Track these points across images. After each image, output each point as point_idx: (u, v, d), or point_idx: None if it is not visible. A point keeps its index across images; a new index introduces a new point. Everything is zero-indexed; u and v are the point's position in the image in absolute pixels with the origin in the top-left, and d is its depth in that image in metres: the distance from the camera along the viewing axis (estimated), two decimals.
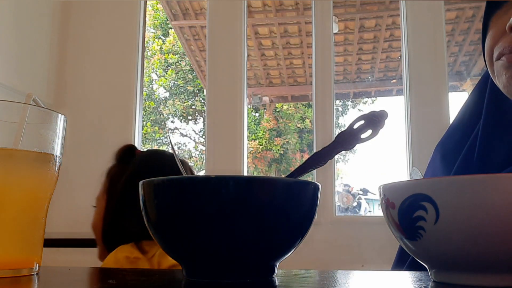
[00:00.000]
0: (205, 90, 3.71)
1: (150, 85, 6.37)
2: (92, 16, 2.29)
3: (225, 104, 2.11)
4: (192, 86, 6.56)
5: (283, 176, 0.44)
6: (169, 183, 0.38)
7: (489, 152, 0.58)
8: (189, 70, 6.50)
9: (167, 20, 5.71)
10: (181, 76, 6.59)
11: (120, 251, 0.97)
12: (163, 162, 1.06)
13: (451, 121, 0.71)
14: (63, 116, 0.46)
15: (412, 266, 0.61)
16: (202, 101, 6.39)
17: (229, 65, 2.14)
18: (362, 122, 0.43)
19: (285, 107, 6.53)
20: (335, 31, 3.50)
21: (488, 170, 0.57)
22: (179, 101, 6.60)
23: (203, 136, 6.13)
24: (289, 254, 0.40)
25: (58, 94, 2.21)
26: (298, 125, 6.53)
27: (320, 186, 0.40)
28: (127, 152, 1.09)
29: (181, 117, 6.69)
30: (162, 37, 6.60)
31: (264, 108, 6.61)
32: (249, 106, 5.94)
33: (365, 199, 5.63)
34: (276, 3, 3.56)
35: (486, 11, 0.60)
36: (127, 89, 2.19)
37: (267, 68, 4.91)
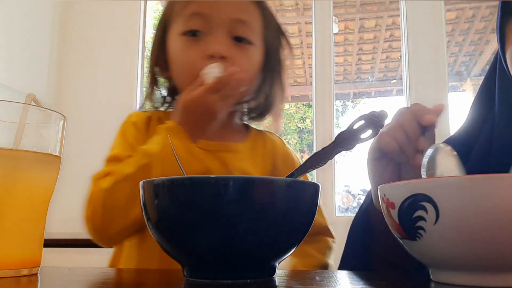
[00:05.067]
0: None
1: None
2: (92, 16, 2.29)
3: None
4: None
5: None
6: (169, 183, 0.38)
7: (506, 149, 0.58)
8: None
9: None
10: None
11: None
12: None
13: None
14: (63, 116, 0.46)
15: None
16: None
17: None
18: (362, 122, 0.43)
19: (285, 107, 6.52)
20: (335, 31, 3.50)
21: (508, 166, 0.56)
22: None
23: None
24: (289, 254, 0.40)
25: (58, 94, 2.21)
26: (298, 125, 6.53)
27: (320, 186, 0.40)
28: None
29: None
30: None
31: None
32: None
33: None
34: (276, 3, 3.56)
35: (501, 18, 0.59)
36: (128, 89, 2.19)
37: None
